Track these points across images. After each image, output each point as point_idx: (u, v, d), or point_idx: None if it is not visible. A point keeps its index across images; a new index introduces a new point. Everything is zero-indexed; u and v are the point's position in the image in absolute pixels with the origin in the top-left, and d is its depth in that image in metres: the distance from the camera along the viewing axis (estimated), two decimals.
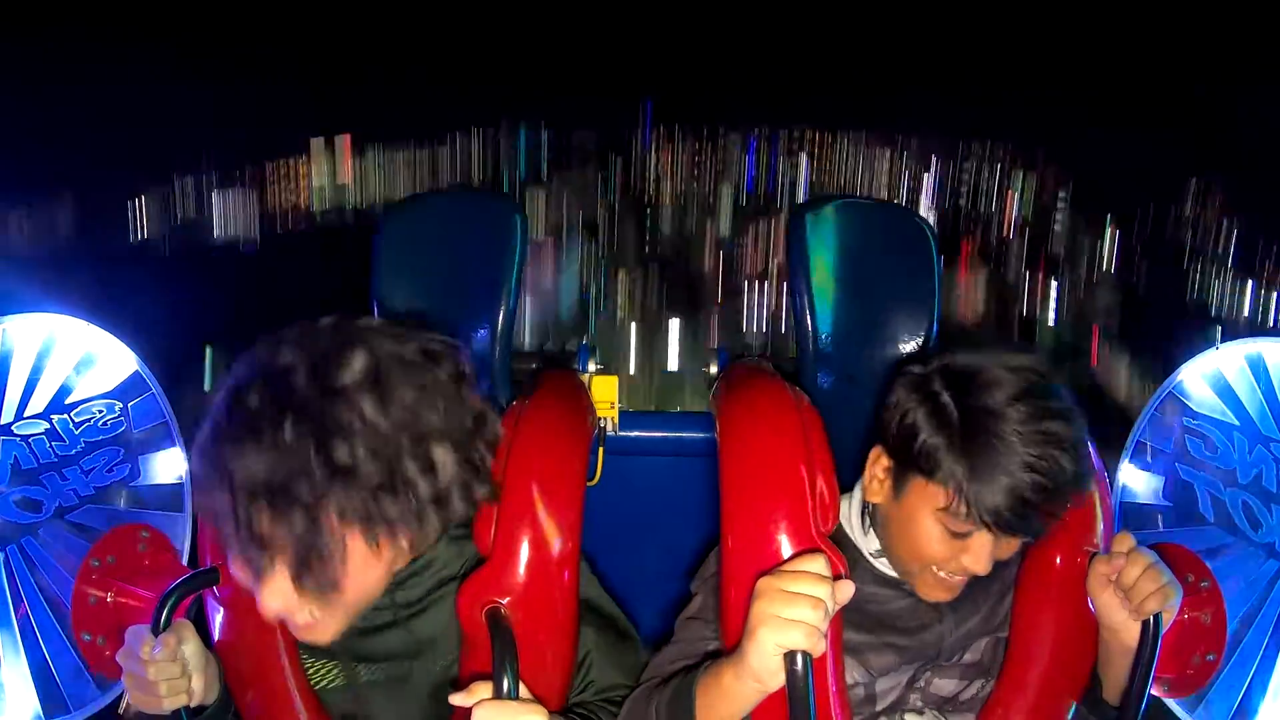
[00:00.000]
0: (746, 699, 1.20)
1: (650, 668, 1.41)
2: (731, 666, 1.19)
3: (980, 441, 1.27)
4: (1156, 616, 1.33)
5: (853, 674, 1.42)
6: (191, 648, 1.31)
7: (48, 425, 1.68)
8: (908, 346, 1.77)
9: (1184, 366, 1.78)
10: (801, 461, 1.32)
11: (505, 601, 1.26)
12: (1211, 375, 1.76)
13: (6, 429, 1.65)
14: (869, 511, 1.45)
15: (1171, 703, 1.64)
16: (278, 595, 1.16)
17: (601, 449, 1.80)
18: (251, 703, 1.41)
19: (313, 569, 1.12)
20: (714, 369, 1.83)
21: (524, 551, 1.28)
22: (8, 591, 1.62)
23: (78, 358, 1.72)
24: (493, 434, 1.25)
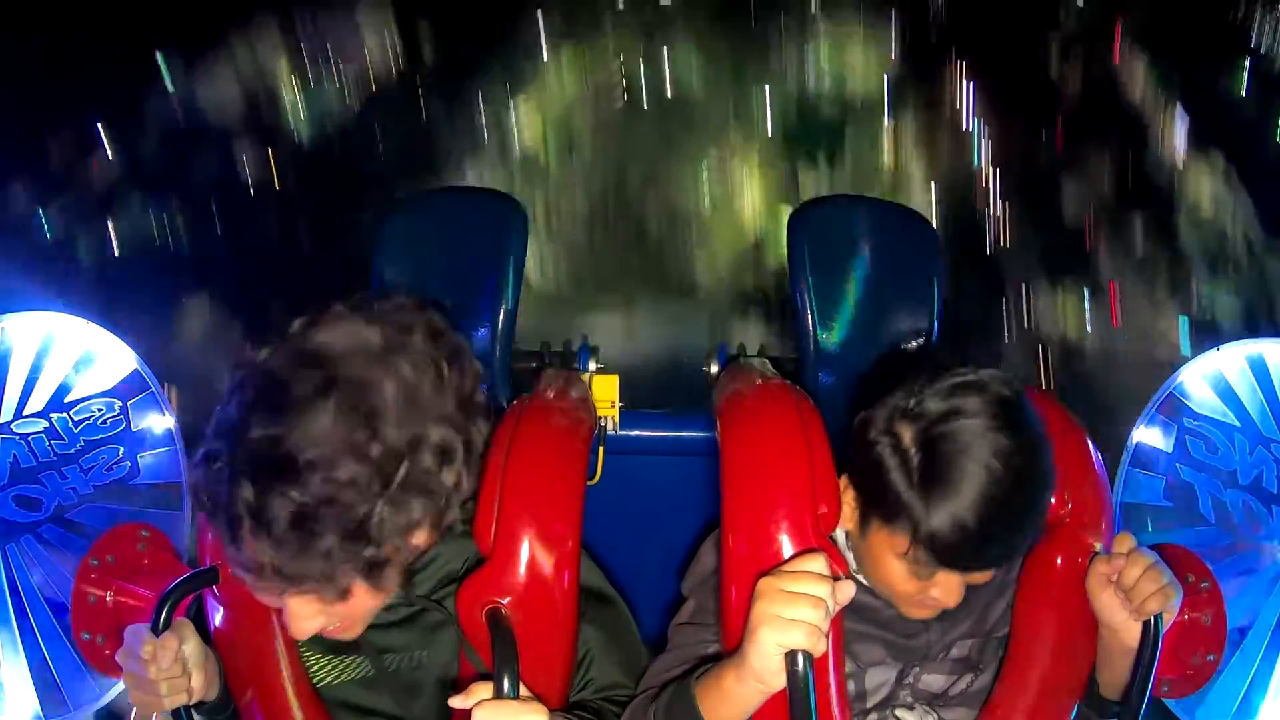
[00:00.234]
0: (748, 700, 1.20)
1: (647, 676, 1.40)
2: (733, 667, 1.19)
3: (940, 488, 1.23)
4: (1157, 617, 1.32)
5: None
6: (191, 646, 1.31)
7: (47, 424, 1.68)
8: (908, 346, 1.77)
9: (1185, 367, 1.78)
10: (802, 461, 1.31)
11: (505, 601, 1.26)
12: (1212, 376, 1.76)
13: (6, 428, 1.65)
14: (848, 540, 1.45)
15: (1171, 703, 1.64)
16: (303, 617, 1.21)
17: (602, 448, 1.79)
18: (251, 701, 1.41)
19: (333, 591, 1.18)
20: (714, 368, 1.83)
21: (524, 551, 1.27)
22: (7, 591, 1.62)
23: (77, 356, 1.72)
24: (479, 396, 1.27)
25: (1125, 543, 1.36)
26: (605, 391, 1.82)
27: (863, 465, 1.32)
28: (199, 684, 1.32)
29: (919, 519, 1.25)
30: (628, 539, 1.64)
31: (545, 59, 3.90)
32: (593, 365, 1.85)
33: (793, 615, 1.12)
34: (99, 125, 3.39)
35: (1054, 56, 3.78)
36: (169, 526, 1.72)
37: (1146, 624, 1.33)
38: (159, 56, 3.49)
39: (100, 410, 1.73)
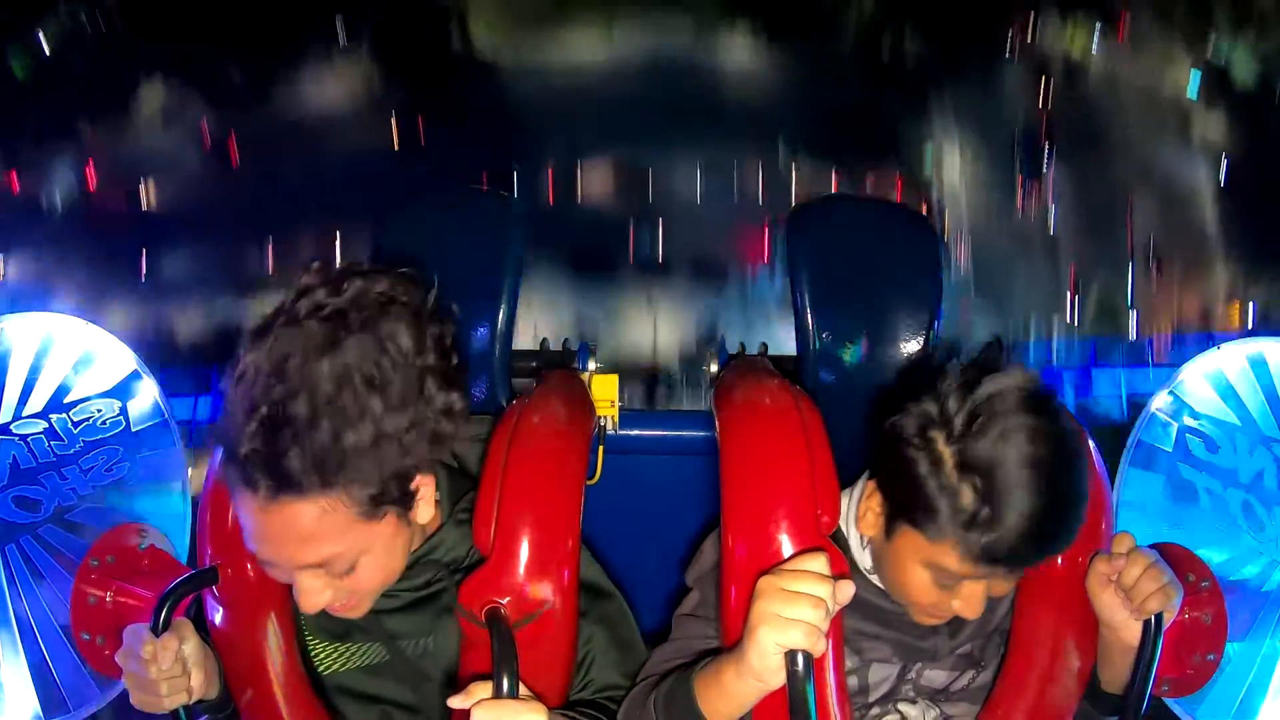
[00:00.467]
0: (747, 697, 1.20)
1: (647, 666, 1.41)
2: (732, 665, 1.19)
3: (982, 482, 1.21)
4: (1158, 616, 1.32)
5: (845, 661, 1.42)
6: (191, 646, 1.31)
7: (46, 424, 1.68)
8: (909, 346, 1.77)
9: (1185, 366, 1.78)
10: (802, 460, 1.31)
11: (505, 601, 1.26)
12: (1213, 375, 1.76)
13: (5, 428, 1.65)
14: (865, 542, 1.44)
15: (1171, 703, 1.64)
16: (313, 592, 1.23)
17: (601, 448, 1.79)
18: (251, 701, 1.41)
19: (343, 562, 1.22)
20: (714, 367, 1.83)
21: (524, 551, 1.27)
22: (7, 591, 1.62)
23: (76, 356, 1.72)
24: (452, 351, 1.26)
25: (1125, 542, 1.36)
26: (605, 391, 1.82)
27: (894, 470, 1.30)
28: (199, 683, 1.33)
29: (962, 515, 1.22)
30: (627, 539, 1.64)
31: None
32: (592, 365, 1.85)
33: (792, 615, 1.12)
34: None
35: None
36: (169, 526, 1.72)
37: (1147, 623, 1.33)
38: None
39: (100, 411, 1.73)
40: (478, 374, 1.73)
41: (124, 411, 1.75)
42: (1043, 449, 1.21)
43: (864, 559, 1.44)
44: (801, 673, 1.11)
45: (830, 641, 1.24)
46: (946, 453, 1.24)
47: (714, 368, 1.82)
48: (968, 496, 1.22)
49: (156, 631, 1.28)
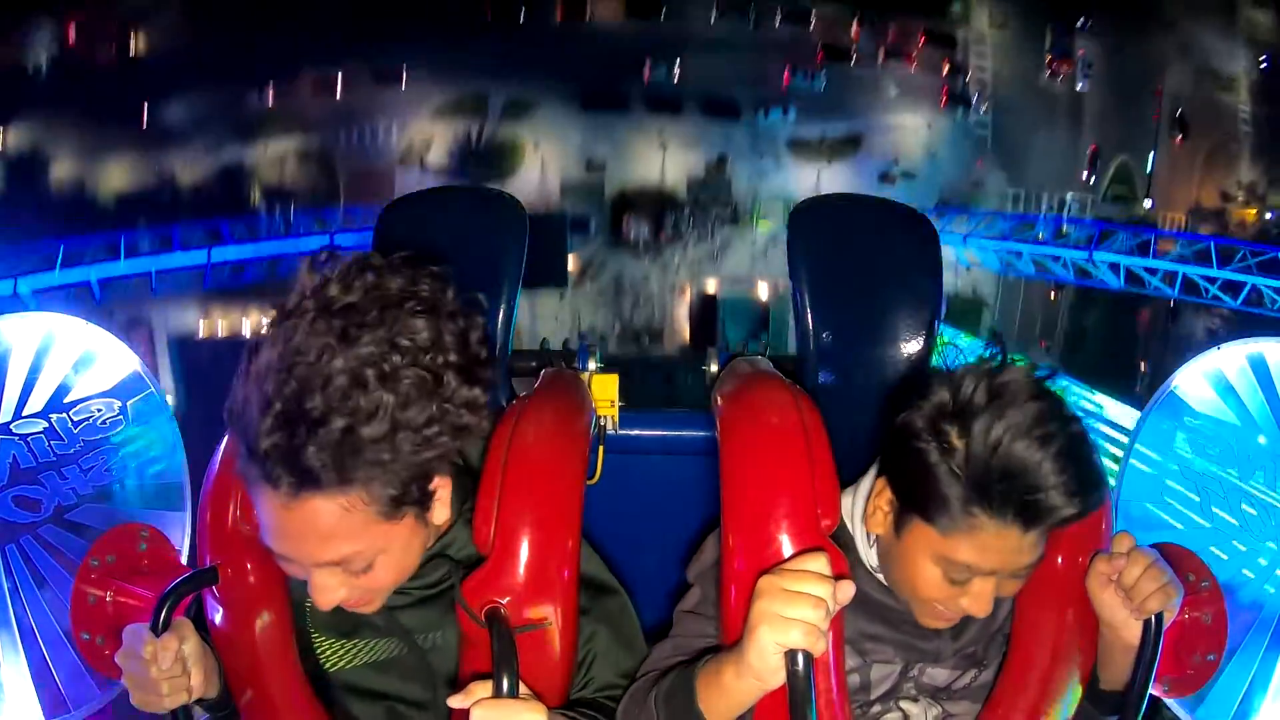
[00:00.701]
0: (746, 696, 1.20)
1: (647, 662, 1.41)
2: (732, 664, 1.19)
3: (995, 486, 1.23)
4: (1158, 616, 1.32)
5: (848, 660, 1.42)
6: (191, 645, 1.31)
7: (47, 424, 1.68)
8: (909, 345, 1.76)
9: (1185, 366, 1.78)
10: (802, 460, 1.31)
11: (505, 601, 1.26)
12: (1213, 375, 1.75)
13: (5, 428, 1.65)
14: (872, 540, 1.44)
15: (1171, 702, 1.64)
16: (329, 589, 1.24)
17: (601, 447, 1.80)
18: (250, 700, 1.41)
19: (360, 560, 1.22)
20: (714, 367, 1.83)
21: (524, 551, 1.27)
22: (7, 591, 1.62)
23: (76, 356, 1.72)
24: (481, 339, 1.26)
25: (1125, 542, 1.36)
26: (605, 391, 1.82)
27: (905, 465, 1.31)
28: (199, 683, 1.32)
29: (970, 515, 1.24)
30: (627, 538, 1.64)
31: None
32: (592, 364, 1.85)
33: (792, 614, 1.12)
34: None
35: None
36: (169, 526, 1.72)
37: (1147, 623, 1.33)
38: None
39: (100, 410, 1.73)
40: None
41: (124, 411, 1.75)
42: (1054, 426, 1.22)
43: (870, 557, 1.44)
44: (801, 672, 1.11)
45: (830, 641, 1.24)
46: (959, 442, 1.25)
47: (714, 367, 1.81)
48: (976, 492, 1.23)
49: (156, 631, 1.28)
